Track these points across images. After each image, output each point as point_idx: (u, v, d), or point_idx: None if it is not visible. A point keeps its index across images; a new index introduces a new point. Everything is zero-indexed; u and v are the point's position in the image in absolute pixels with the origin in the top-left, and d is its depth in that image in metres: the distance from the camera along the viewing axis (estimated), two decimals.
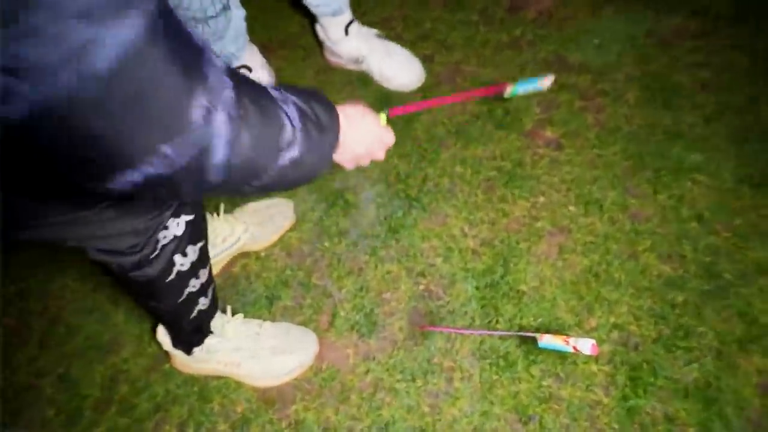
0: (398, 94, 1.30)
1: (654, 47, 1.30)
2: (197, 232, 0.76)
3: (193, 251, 0.76)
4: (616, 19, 1.36)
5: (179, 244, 0.73)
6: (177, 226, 0.71)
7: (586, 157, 1.18)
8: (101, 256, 0.70)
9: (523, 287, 1.05)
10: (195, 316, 0.86)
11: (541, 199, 1.14)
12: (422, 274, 1.08)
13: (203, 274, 0.82)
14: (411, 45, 1.33)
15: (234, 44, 1.11)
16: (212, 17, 1.00)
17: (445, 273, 1.08)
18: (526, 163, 1.18)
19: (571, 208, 1.12)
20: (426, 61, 1.31)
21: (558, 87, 1.27)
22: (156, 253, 0.71)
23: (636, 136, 1.18)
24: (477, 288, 1.06)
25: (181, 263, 0.75)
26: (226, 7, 1.01)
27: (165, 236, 0.71)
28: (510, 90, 0.74)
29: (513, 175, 1.17)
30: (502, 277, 1.06)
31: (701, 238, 1.05)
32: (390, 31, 1.38)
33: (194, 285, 0.81)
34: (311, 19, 1.45)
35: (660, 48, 1.30)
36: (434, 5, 1.44)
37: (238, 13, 1.07)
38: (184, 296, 0.81)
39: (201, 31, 1.03)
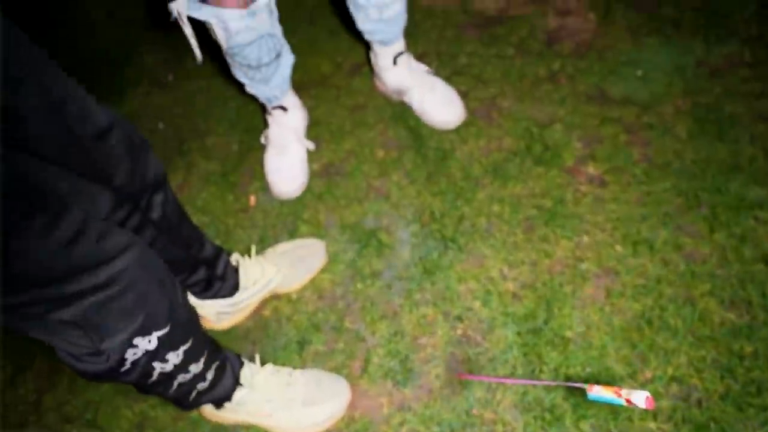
0: (433, 132, 1.27)
1: (705, 78, 1.23)
2: (178, 338, 0.69)
3: (175, 356, 0.69)
4: (660, 49, 1.30)
5: (155, 356, 0.66)
6: (148, 343, 0.64)
7: (632, 195, 1.10)
8: (66, 358, 0.63)
9: (569, 333, 0.98)
10: (195, 398, 0.81)
11: (585, 238, 1.07)
12: (459, 319, 1.02)
13: (195, 368, 0.75)
14: (446, 81, 1.30)
15: (279, 88, 1.13)
16: (265, 64, 1.02)
17: (484, 317, 1.02)
18: (568, 200, 1.12)
19: (618, 248, 1.05)
20: (461, 96, 1.28)
21: (600, 121, 1.21)
22: (126, 367, 0.64)
23: (688, 172, 1.11)
24: (518, 334, 0.99)
25: (163, 367, 0.68)
26: (279, 55, 1.03)
27: (135, 353, 0.64)
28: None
29: (554, 213, 1.11)
30: (545, 323, 0.99)
31: None
32: None
33: (184, 377, 0.74)
34: (344, 58, 1.46)
35: (712, 78, 1.22)
36: (469, 40, 1.42)
37: (288, 60, 1.09)
38: (174, 387, 0.74)
39: (252, 76, 1.06)
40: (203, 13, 0.88)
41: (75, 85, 0.62)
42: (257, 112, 1.39)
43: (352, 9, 1.14)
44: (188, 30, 0.87)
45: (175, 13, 0.85)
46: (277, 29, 1.00)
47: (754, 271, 0.97)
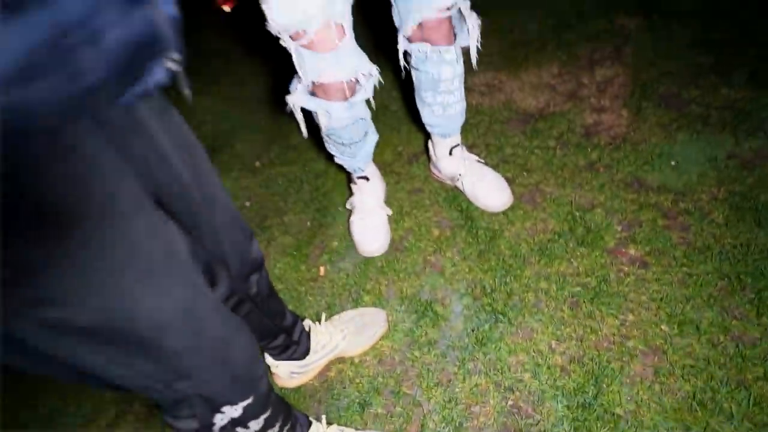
0: (483, 214, 1.31)
1: (737, 169, 1.23)
2: (259, 408, 0.71)
3: (256, 423, 0.71)
4: (691, 142, 1.32)
5: (239, 422, 0.68)
6: (234, 411, 0.67)
7: (675, 276, 1.08)
8: (167, 416, 0.66)
9: (619, 410, 0.93)
10: None
11: (630, 317, 1.05)
12: (511, 389, 1.01)
13: (272, 430, 0.77)
14: (493, 168, 1.36)
15: (363, 161, 1.23)
16: (355, 143, 1.12)
17: (534, 389, 1.00)
18: (612, 280, 1.11)
19: (664, 327, 1.02)
20: (508, 183, 1.33)
21: (638, 206, 1.22)
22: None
23: (729, 255, 1.08)
24: (568, 408, 0.96)
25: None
26: (366, 134, 1.14)
27: (222, 418, 0.66)
28: None
29: (599, 291, 1.10)
30: (594, 398, 0.96)
31: None
32: None
33: None
34: (404, 148, 1.56)
35: (744, 169, 1.22)
36: (513, 133, 1.49)
37: (372, 138, 1.18)
38: None
39: (342, 151, 1.16)
40: (313, 105, 0.99)
41: (217, 176, 0.68)
42: (328, 195, 1.50)
43: (419, 105, 1.24)
44: (299, 116, 0.99)
45: (291, 104, 0.97)
46: (368, 114, 1.11)
47: None
